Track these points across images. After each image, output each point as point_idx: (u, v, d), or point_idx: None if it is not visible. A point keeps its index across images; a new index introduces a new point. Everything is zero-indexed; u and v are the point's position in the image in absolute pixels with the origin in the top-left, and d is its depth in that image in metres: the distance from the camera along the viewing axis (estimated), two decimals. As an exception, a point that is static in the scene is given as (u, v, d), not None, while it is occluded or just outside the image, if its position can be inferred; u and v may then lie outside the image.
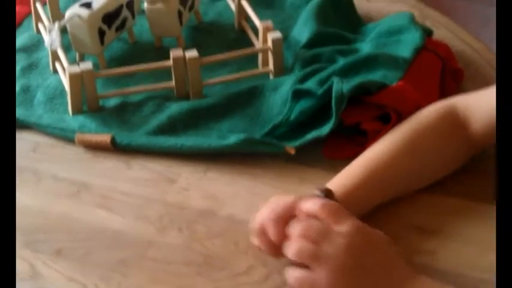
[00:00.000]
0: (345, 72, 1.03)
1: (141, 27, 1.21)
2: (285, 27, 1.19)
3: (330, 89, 0.97)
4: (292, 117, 1.00)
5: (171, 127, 1.03)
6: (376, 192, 0.87)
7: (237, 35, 1.21)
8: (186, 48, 1.11)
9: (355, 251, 0.71)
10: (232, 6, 1.23)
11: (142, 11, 1.19)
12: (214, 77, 1.10)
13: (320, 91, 0.98)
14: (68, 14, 1.11)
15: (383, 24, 1.14)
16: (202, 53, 1.08)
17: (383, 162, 0.88)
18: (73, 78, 1.04)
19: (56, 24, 1.08)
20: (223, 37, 1.21)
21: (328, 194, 0.81)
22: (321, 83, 1.01)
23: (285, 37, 1.12)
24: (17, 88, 1.10)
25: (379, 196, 0.87)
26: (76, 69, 1.04)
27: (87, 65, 1.05)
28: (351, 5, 1.23)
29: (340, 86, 0.96)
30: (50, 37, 1.08)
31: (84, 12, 1.10)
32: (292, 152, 0.96)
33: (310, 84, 1.02)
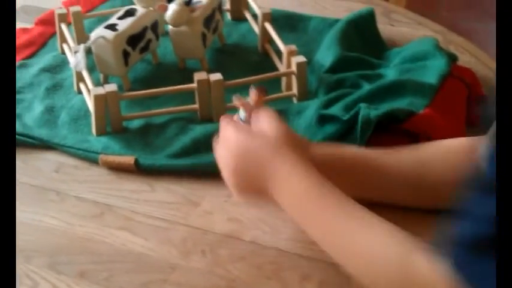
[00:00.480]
0: (371, 98, 1.03)
1: (164, 49, 1.22)
2: (308, 51, 1.19)
3: (356, 114, 0.97)
4: (316, 142, 1.00)
5: (194, 149, 1.03)
6: (351, 173, 0.87)
7: (261, 58, 1.21)
8: (209, 70, 1.12)
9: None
10: (256, 29, 1.24)
11: (166, 33, 1.20)
12: (238, 100, 1.10)
13: (346, 116, 0.98)
14: (93, 35, 1.11)
15: (407, 50, 1.14)
16: (225, 75, 1.08)
17: (381, 156, 0.87)
18: (98, 99, 1.04)
19: (82, 46, 1.09)
20: (246, 60, 1.21)
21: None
22: (347, 108, 1.01)
23: (309, 61, 1.12)
24: (41, 108, 1.11)
25: (352, 180, 0.86)
26: (101, 90, 1.04)
27: (111, 87, 1.05)
28: (375, 30, 1.23)
29: (368, 112, 0.95)
30: (76, 58, 1.08)
31: (109, 34, 1.11)
32: None
33: (335, 109, 1.01)
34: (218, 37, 1.24)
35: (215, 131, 1.04)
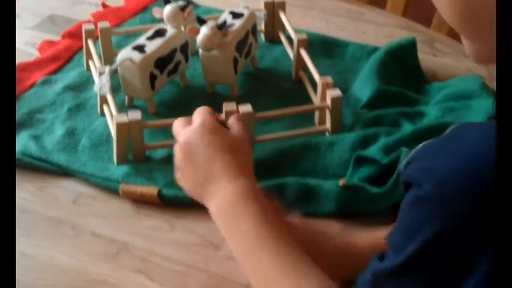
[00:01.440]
0: (414, 141, 0.96)
1: (194, 71, 1.17)
2: (344, 79, 1.13)
3: (396, 159, 0.90)
4: (351, 183, 0.94)
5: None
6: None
7: (294, 85, 1.15)
8: (239, 96, 1.06)
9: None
10: (290, 54, 1.18)
11: (196, 52, 1.14)
12: (268, 130, 1.05)
13: (386, 160, 0.92)
14: (120, 56, 1.06)
15: (451, 87, 1.08)
16: (256, 102, 1.03)
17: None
18: (120, 127, 0.99)
19: (107, 69, 1.03)
20: (279, 87, 1.15)
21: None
22: (387, 150, 0.95)
23: (344, 91, 1.06)
24: (63, 131, 1.06)
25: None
26: (124, 118, 0.99)
27: (135, 115, 1.00)
28: (415, 61, 1.17)
29: None
30: (100, 81, 1.03)
31: (137, 56, 1.05)
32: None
33: (374, 150, 0.96)
34: (251, 61, 1.18)
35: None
